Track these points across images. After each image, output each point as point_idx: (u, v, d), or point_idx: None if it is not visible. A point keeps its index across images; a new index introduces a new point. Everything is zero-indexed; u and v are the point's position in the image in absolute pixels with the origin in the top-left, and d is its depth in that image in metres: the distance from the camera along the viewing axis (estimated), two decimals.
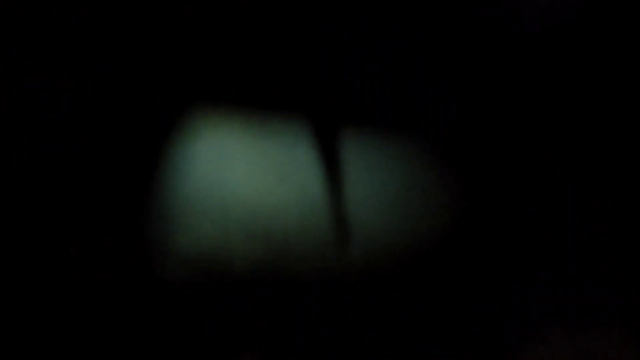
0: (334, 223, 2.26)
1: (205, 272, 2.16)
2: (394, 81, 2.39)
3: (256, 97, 2.31)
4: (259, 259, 2.20)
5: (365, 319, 2.24)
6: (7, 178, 2.14)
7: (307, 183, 2.27)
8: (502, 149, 2.43)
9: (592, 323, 2.22)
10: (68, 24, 2.19)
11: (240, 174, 2.24)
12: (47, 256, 2.12)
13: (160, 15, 2.27)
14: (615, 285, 2.27)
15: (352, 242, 2.26)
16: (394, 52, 2.40)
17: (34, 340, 2.06)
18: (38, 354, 2.06)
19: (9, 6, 1.97)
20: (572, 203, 2.37)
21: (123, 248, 2.15)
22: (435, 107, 2.41)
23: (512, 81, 2.44)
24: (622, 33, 2.35)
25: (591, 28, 2.33)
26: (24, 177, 2.15)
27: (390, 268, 2.27)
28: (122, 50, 2.24)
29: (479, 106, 2.43)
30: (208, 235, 2.19)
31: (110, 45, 2.23)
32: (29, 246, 2.11)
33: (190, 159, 2.23)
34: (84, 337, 2.09)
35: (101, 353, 2.09)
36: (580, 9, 2.32)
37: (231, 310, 2.17)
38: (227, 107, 2.28)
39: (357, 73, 2.37)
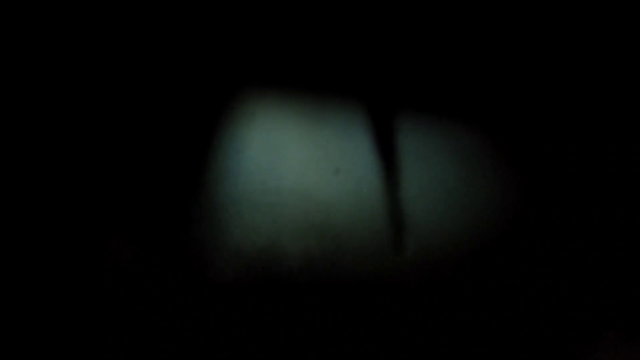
0: (390, 218, 2.14)
1: (257, 268, 2.04)
2: (455, 68, 2.26)
3: (311, 83, 2.18)
4: (312, 255, 2.07)
5: (421, 317, 2.12)
6: (56, 173, 2.01)
7: (362, 175, 2.14)
8: (559, 139, 2.31)
9: None
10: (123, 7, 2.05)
11: (294, 166, 2.11)
12: (99, 251, 2.00)
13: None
14: None
15: (407, 238, 2.14)
16: (454, 36, 2.26)
17: (81, 332, 1.96)
18: (84, 348, 1.95)
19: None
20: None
21: (175, 243, 2.03)
22: (496, 98, 2.28)
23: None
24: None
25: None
26: (74, 170, 2.02)
27: (447, 265, 2.15)
28: (175, 35, 2.09)
29: (540, 100, 2.31)
30: (260, 230, 2.06)
31: (162, 29, 2.08)
32: (80, 240, 2.00)
33: (243, 148, 2.10)
34: (140, 332, 1.97)
35: (155, 349, 1.97)
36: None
37: (282, 306, 2.05)
38: (281, 93, 2.15)
39: (416, 59, 2.24)
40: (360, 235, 2.12)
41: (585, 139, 2.32)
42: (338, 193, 2.13)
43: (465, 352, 2.13)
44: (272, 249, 2.06)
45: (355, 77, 2.21)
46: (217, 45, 2.14)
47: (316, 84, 2.18)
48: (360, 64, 2.22)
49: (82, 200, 2.03)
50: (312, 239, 2.09)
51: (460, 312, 2.15)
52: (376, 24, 2.23)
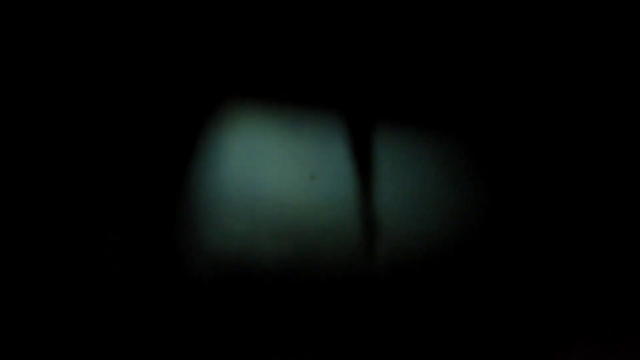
0: (364, 222, 2.25)
1: (235, 269, 2.17)
2: (428, 79, 2.35)
3: (291, 94, 2.30)
4: (288, 258, 2.20)
5: (392, 318, 2.22)
6: (44, 170, 2.16)
7: (338, 181, 2.26)
8: (531, 148, 2.39)
9: (622, 338, 2.19)
10: (106, 13, 2.19)
11: (272, 171, 2.24)
12: (80, 247, 2.14)
13: (195, 6, 2.25)
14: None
15: (380, 242, 2.24)
16: (428, 49, 2.36)
17: (65, 326, 2.09)
18: (67, 341, 2.08)
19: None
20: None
21: (158, 243, 2.16)
22: (467, 105, 2.37)
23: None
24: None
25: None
26: (59, 170, 2.17)
27: (418, 268, 2.25)
28: (160, 46, 2.23)
29: (512, 106, 2.39)
30: (237, 233, 2.19)
31: (145, 36, 2.22)
32: (79, 240, 2.13)
33: (222, 154, 2.22)
34: (115, 330, 2.11)
35: (132, 347, 2.10)
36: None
37: (258, 308, 2.17)
38: (261, 102, 2.27)
39: (390, 70, 2.34)
40: (334, 239, 2.23)
41: (561, 147, 2.39)
42: (313, 199, 2.25)
43: (436, 354, 2.23)
44: (249, 250, 2.19)
45: (333, 87, 2.32)
46: (200, 57, 2.28)
47: (295, 95, 2.30)
48: (338, 75, 2.33)
49: (77, 198, 2.18)
50: (287, 242, 2.21)
51: (430, 314, 2.25)
52: (354, 35, 2.34)
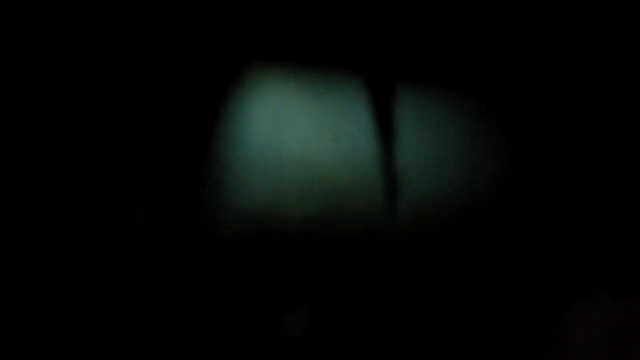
0: (387, 181, 2.29)
1: (259, 226, 2.23)
2: (451, 38, 2.38)
3: (313, 57, 2.35)
4: (312, 216, 2.25)
5: (414, 276, 2.27)
6: (63, 132, 2.24)
7: (360, 141, 2.30)
8: (558, 104, 2.40)
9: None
10: None
11: (296, 134, 2.29)
12: (106, 213, 2.22)
13: None
14: None
15: (402, 201, 2.29)
16: (452, 7, 2.38)
17: (86, 289, 2.17)
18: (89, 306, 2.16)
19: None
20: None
21: (185, 203, 2.24)
22: (491, 63, 2.39)
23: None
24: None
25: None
26: (79, 132, 2.25)
27: (439, 228, 2.29)
28: (179, 6, 2.30)
29: (537, 64, 2.40)
30: (262, 192, 2.25)
31: (168, 1, 2.29)
32: (86, 203, 2.21)
33: (246, 117, 2.29)
34: (141, 292, 2.19)
35: (157, 309, 2.18)
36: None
37: (283, 265, 2.24)
38: (283, 66, 2.32)
39: (413, 29, 2.37)
40: (357, 197, 2.29)
41: (590, 105, 2.40)
42: (337, 159, 2.30)
43: (457, 312, 2.27)
44: (273, 209, 2.25)
45: (355, 49, 2.36)
46: (223, 20, 2.34)
47: (318, 58, 2.35)
48: (360, 36, 2.37)
49: (98, 162, 2.26)
50: (311, 201, 2.27)
51: (453, 271, 2.29)
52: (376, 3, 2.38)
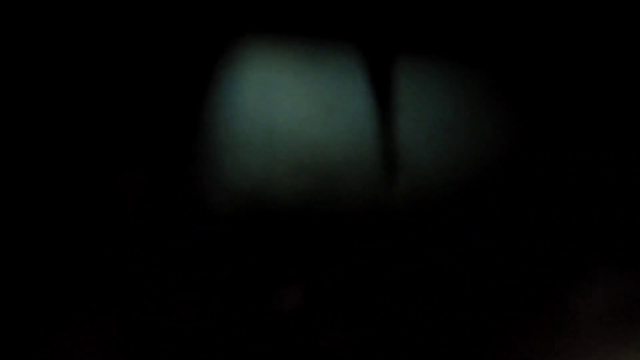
0: (384, 155, 2.20)
1: (251, 202, 2.15)
2: (449, 7, 2.27)
3: (306, 27, 2.25)
4: (306, 191, 2.17)
5: (413, 250, 2.18)
6: (63, 112, 2.18)
7: (356, 114, 2.21)
8: (559, 75, 2.29)
9: None
10: None
11: (288, 105, 2.20)
12: (99, 187, 2.16)
13: None
14: None
15: (400, 175, 2.19)
16: None
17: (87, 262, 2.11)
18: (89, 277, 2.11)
19: None
20: None
21: (176, 179, 2.16)
22: (491, 33, 2.28)
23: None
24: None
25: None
26: (75, 110, 2.19)
27: (439, 202, 2.20)
28: None
29: (537, 33, 2.30)
30: (255, 167, 2.16)
31: None
32: (80, 177, 2.16)
33: (237, 89, 2.20)
34: (133, 266, 2.12)
35: (150, 283, 2.12)
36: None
37: (276, 242, 2.16)
38: (275, 36, 2.23)
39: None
40: (354, 171, 2.19)
41: (592, 77, 2.30)
42: (331, 132, 2.21)
43: (456, 286, 2.18)
44: (266, 184, 2.17)
45: (351, 18, 2.27)
46: None
47: (310, 28, 2.26)
48: (356, 5, 2.27)
49: (93, 141, 2.19)
50: (304, 175, 2.18)
51: (452, 245, 2.19)
52: None
